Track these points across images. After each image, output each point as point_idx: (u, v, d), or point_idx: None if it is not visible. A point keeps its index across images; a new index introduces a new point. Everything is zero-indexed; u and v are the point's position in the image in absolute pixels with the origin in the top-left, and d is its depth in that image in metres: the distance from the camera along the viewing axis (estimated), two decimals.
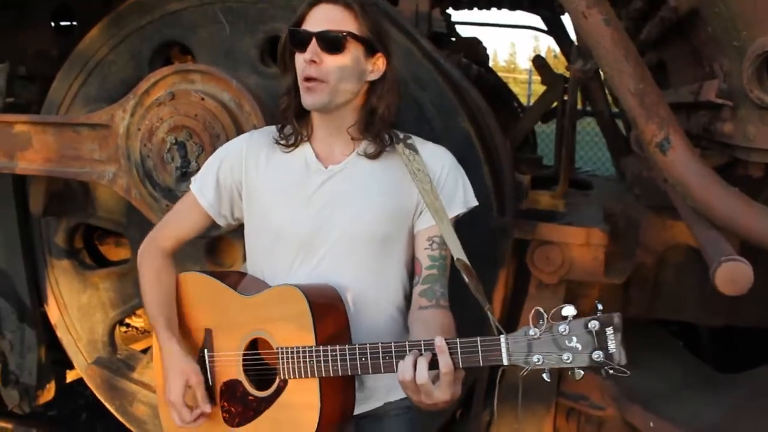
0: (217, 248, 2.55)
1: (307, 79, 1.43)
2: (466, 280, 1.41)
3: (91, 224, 2.82)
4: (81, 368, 2.84)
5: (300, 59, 1.44)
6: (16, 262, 2.79)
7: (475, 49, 3.19)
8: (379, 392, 1.55)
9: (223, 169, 1.59)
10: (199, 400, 1.52)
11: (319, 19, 1.44)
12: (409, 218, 1.55)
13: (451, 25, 2.89)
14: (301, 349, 1.40)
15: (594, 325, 1.21)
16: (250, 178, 1.57)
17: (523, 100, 10.17)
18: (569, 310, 1.23)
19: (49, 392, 2.96)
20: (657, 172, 1.82)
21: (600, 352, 1.21)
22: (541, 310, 1.24)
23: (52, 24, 2.90)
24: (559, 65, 3.68)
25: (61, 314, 2.83)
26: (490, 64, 3.98)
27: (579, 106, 3.53)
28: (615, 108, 3.02)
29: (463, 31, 3.83)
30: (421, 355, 1.29)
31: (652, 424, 2.12)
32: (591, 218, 2.34)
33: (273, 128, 1.61)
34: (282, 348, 1.43)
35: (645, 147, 1.71)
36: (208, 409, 1.53)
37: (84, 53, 2.57)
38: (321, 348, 1.38)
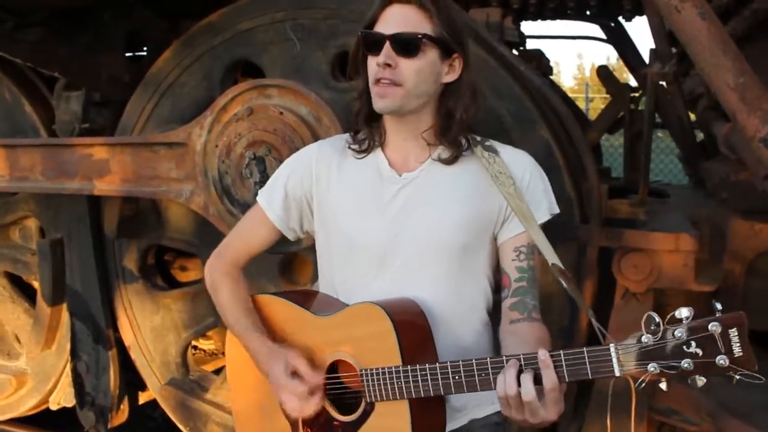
0: (291, 266, 2.54)
1: (380, 82, 1.37)
2: (564, 285, 1.33)
3: (164, 245, 2.85)
4: (155, 389, 2.85)
5: (373, 62, 1.38)
6: (91, 284, 2.83)
7: (539, 60, 3.15)
8: (465, 409, 1.47)
9: (291, 180, 1.54)
10: (304, 373, 1.42)
11: (393, 21, 1.36)
12: (491, 227, 1.46)
13: (522, 35, 2.86)
14: (387, 370, 1.33)
15: (715, 326, 1.09)
16: (321, 188, 1.51)
17: None
18: (685, 312, 1.11)
19: (123, 413, 2.97)
20: (758, 170, 1.74)
21: (724, 357, 1.09)
22: (654, 314, 1.13)
23: (125, 50, 2.96)
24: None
25: (134, 336, 2.85)
26: None
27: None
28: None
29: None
30: (522, 369, 1.21)
31: None
32: (675, 225, 2.25)
33: (343, 136, 1.56)
34: (366, 370, 1.36)
35: (747, 143, 1.64)
36: (320, 381, 1.42)
37: (157, 75, 2.62)
38: (410, 368, 1.30)
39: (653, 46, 2.41)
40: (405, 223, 1.44)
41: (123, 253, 2.82)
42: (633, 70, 3.54)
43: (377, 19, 1.39)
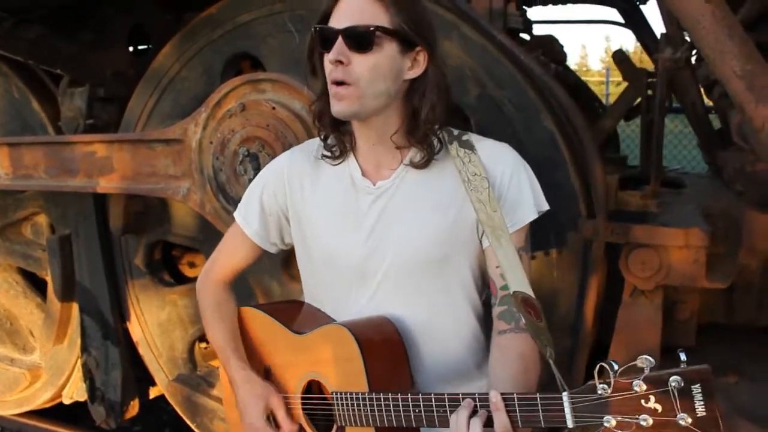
0: (292, 261, 2.50)
1: (335, 83, 1.27)
2: (522, 319, 1.24)
3: (170, 241, 2.84)
4: (162, 385, 2.85)
5: (327, 60, 1.29)
6: (99, 280, 2.83)
7: (550, 46, 3.06)
8: None
9: (266, 194, 1.49)
10: (281, 420, 1.44)
11: (345, 14, 1.26)
12: (473, 232, 1.38)
13: (527, 21, 2.76)
14: (354, 396, 1.29)
15: (676, 381, 0.98)
16: (295, 201, 1.46)
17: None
18: (646, 361, 1.00)
19: (133, 408, 2.98)
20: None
21: (685, 416, 0.97)
22: (607, 364, 1.02)
23: (128, 45, 2.95)
24: (636, 61, 3.48)
25: (142, 331, 2.86)
26: None
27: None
28: (707, 101, 2.82)
29: (537, 30, 3.69)
30: (475, 410, 1.15)
31: None
32: (688, 218, 2.15)
33: (315, 142, 1.48)
34: (336, 393, 1.33)
35: (755, 135, 1.54)
36: (294, 429, 1.44)
37: (158, 71, 2.59)
38: (374, 395, 1.26)
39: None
40: (381, 237, 1.38)
41: (129, 249, 2.82)
42: (651, 55, 3.41)
43: (330, 12, 1.29)
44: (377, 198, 1.39)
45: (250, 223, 1.51)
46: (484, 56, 2.12)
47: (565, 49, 3.25)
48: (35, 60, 2.46)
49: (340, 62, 1.26)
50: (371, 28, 1.25)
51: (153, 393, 3.12)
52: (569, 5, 3.31)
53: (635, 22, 3.44)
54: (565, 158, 2.12)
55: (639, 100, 3.10)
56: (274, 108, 2.02)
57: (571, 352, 2.17)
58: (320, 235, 1.44)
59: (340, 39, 1.26)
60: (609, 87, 12.26)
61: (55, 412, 3.30)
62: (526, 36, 3.22)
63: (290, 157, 1.52)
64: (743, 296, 2.26)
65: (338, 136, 1.40)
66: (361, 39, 1.25)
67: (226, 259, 1.59)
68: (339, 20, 1.27)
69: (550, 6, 3.25)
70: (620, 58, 3.18)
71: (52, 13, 2.47)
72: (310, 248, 1.46)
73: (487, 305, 1.47)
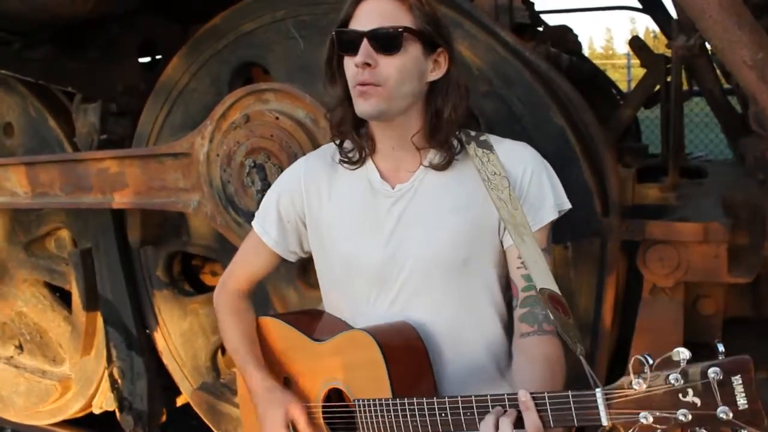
0: (309, 268, 2.50)
1: (362, 84, 1.26)
2: (551, 315, 1.21)
3: (188, 252, 2.86)
4: (187, 394, 2.88)
5: (351, 64, 1.28)
6: (121, 291, 2.87)
7: (564, 37, 2.98)
8: None
9: (282, 202, 1.48)
10: (302, 430, 1.39)
11: (369, 16, 1.26)
12: (495, 234, 1.36)
13: (534, 14, 2.70)
14: (377, 402, 1.26)
15: (715, 372, 0.95)
16: (313, 208, 1.45)
17: (623, 86, 9.62)
18: (682, 354, 0.97)
19: (161, 416, 3.02)
20: None
21: (726, 409, 0.94)
22: (643, 357, 0.99)
23: (139, 59, 2.97)
24: (660, 45, 3.38)
25: (165, 341, 2.88)
26: (586, 51, 3.74)
27: (685, 87, 3.23)
28: (727, 84, 2.72)
29: (553, 20, 3.61)
30: (505, 412, 1.11)
31: None
32: (708, 210, 2.08)
33: (331, 147, 1.47)
34: (359, 400, 1.30)
35: None
36: None
37: (167, 84, 2.61)
38: (398, 401, 1.23)
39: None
40: (401, 241, 1.36)
41: (149, 260, 2.85)
42: (669, 40, 3.31)
43: (351, 16, 1.28)
44: (396, 201, 1.37)
45: (269, 231, 1.50)
46: (489, 54, 2.08)
47: (589, 35, 3.18)
48: (45, 80, 2.50)
49: (368, 65, 1.25)
50: (399, 29, 1.25)
51: (180, 401, 3.15)
52: None
53: (653, 6, 3.34)
54: (577, 154, 2.07)
55: (658, 87, 3.02)
56: (277, 118, 2.01)
57: (590, 351, 2.12)
58: (339, 241, 1.42)
59: (365, 41, 1.25)
60: (631, 72, 12.00)
61: (88, 421, 3.36)
62: (539, 27, 3.16)
63: (306, 163, 1.51)
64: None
65: (357, 141, 1.39)
66: (388, 40, 1.25)
67: (244, 268, 1.58)
68: (362, 23, 1.27)
69: None
70: (638, 45, 3.09)
71: (59, 32, 2.49)
72: (329, 254, 1.45)
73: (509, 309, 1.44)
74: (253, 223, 1.54)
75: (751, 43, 1.44)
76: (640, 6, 3.40)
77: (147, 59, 3.17)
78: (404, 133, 1.35)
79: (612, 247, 2.00)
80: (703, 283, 2.08)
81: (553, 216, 1.37)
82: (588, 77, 3.16)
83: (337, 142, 1.43)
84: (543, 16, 3.44)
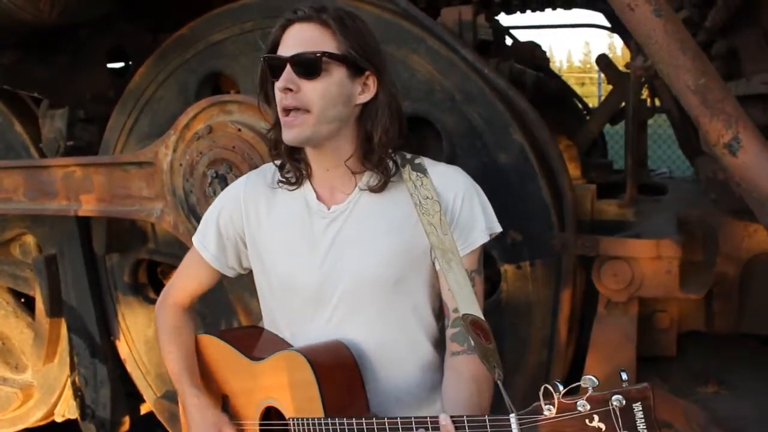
0: None
1: (286, 111, 1.29)
2: (472, 342, 1.24)
3: (154, 259, 2.85)
4: (151, 402, 2.87)
5: (276, 89, 1.30)
6: (85, 299, 2.85)
7: (531, 53, 3.03)
8: None
9: (222, 219, 1.50)
10: None
11: (293, 41, 1.29)
12: (427, 256, 1.39)
13: (498, 31, 2.74)
14: (311, 421, 1.30)
15: (618, 400, 1.02)
16: (252, 226, 1.46)
17: (595, 102, 9.74)
18: (590, 381, 1.04)
19: (124, 425, 3.00)
20: (729, 175, 1.63)
21: None
22: (552, 386, 1.06)
23: (108, 66, 2.96)
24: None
25: (129, 349, 2.87)
26: (565, 65, 3.81)
27: (651, 103, 3.30)
28: None
29: (533, 35, 3.67)
30: None
31: None
32: (663, 227, 2.13)
33: (271, 166, 1.48)
34: (293, 419, 1.34)
35: (711, 149, 1.52)
36: None
37: (134, 91, 2.61)
38: (330, 420, 1.27)
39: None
40: (335, 261, 1.38)
41: (115, 267, 2.84)
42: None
43: (279, 41, 1.31)
44: (331, 222, 1.39)
45: (208, 246, 1.52)
46: (452, 70, 2.12)
47: (567, 48, 3.25)
48: (11, 85, 2.48)
49: (289, 89, 1.28)
50: (318, 54, 1.27)
51: (144, 409, 3.14)
52: (559, 10, 3.29)
53: (620, 25, 3.40)
54: (536, 171, 2.11)
55: (624, 104, 3.08)
56: (239, 129, 2.03)
57: (547, 364, 2.16)
58: (276, 260, 1.44)
59: (288, 67, 1.28)
60: (602, 88, 12.14)
61: (49, 430, 3.32)
62: (508, 42, 3.21)
63: (246, 182, 1.52)
64: (723, 304, 2.23)
65: (293, 164, 1.41)
66: (308, 65, 1.27)
67: (185, 283, 1.59)
68: (287, 48, 1.30)
69: (532, 12, 3.23)
70: (605, 62, 3.16)
71: (27, 37, 2.48)
72: (268, 273, 1.47)
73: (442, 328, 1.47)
74: (193, 238, 1.56)
75: (694, 69, 1.48)
76: (609, 25, 3.46)
77: (117, 65, 3.16)
78: (337, 156, 1.37)
79: (567, 262, 2.04)
80: (658, 298, 2.13)
81: (484, 239, 1.40)
82: (555, 93, 3.22)
83: (277, 163, 1.46)
84: (520, 31, 3.50)
